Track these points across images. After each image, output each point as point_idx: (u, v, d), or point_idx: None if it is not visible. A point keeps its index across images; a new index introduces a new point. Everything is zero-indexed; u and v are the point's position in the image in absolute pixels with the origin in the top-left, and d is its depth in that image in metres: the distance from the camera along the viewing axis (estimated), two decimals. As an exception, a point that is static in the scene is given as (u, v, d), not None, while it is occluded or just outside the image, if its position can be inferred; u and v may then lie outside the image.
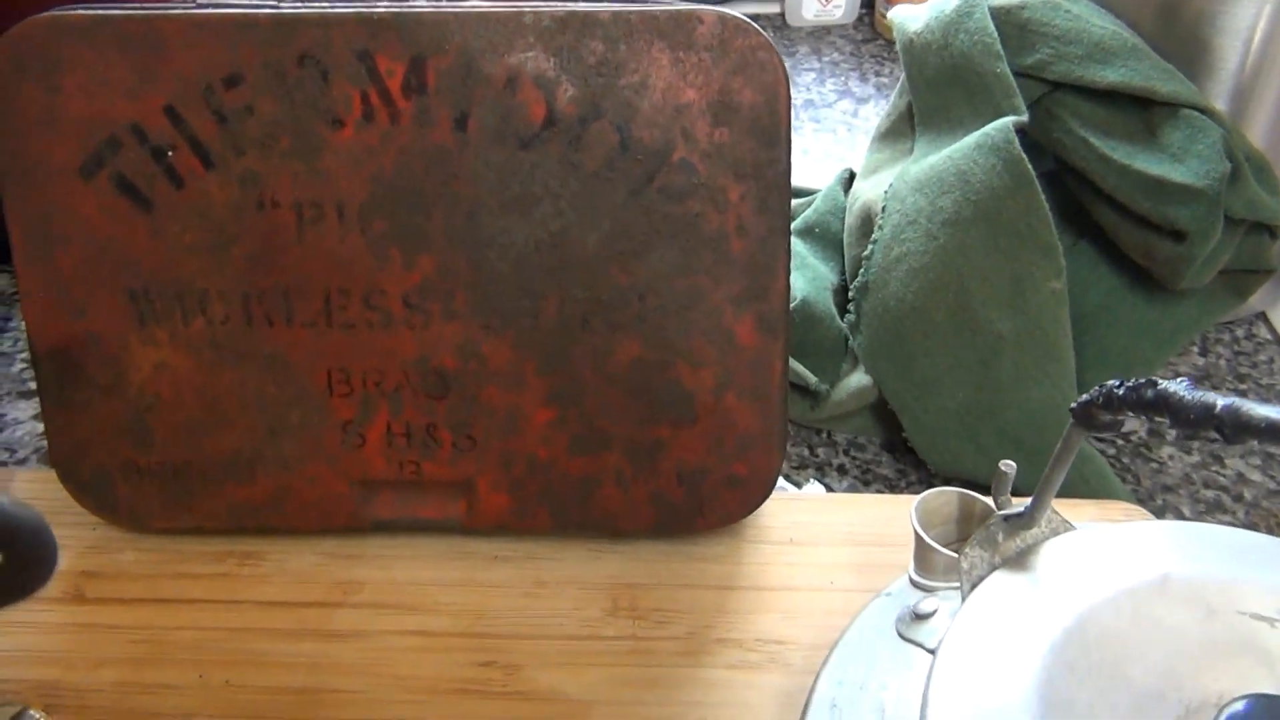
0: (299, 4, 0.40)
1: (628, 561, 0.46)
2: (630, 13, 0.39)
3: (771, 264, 0.42)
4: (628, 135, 0.40)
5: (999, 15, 0.54)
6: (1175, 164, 0.49)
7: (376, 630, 0.44)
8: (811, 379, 0.54)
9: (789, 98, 0.41)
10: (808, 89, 0.85)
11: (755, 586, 0.45)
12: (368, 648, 0.43)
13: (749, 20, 0.40)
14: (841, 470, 0.55)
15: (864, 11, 0.94)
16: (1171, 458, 0.56)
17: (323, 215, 0.42)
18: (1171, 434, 0.57)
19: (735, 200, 0.41)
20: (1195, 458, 0.56)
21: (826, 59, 0.89)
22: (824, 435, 0.57)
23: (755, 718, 0.41)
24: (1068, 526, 0.34)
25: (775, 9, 0.95)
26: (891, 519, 0.48)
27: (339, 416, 0.44)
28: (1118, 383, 0.28)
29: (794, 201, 0.70)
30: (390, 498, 0.45)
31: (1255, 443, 0.54)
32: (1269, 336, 0.63)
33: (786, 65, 0.87)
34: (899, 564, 0.41)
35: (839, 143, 0.79)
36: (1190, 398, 0.25)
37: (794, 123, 0.82)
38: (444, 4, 0.40)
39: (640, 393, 0.43)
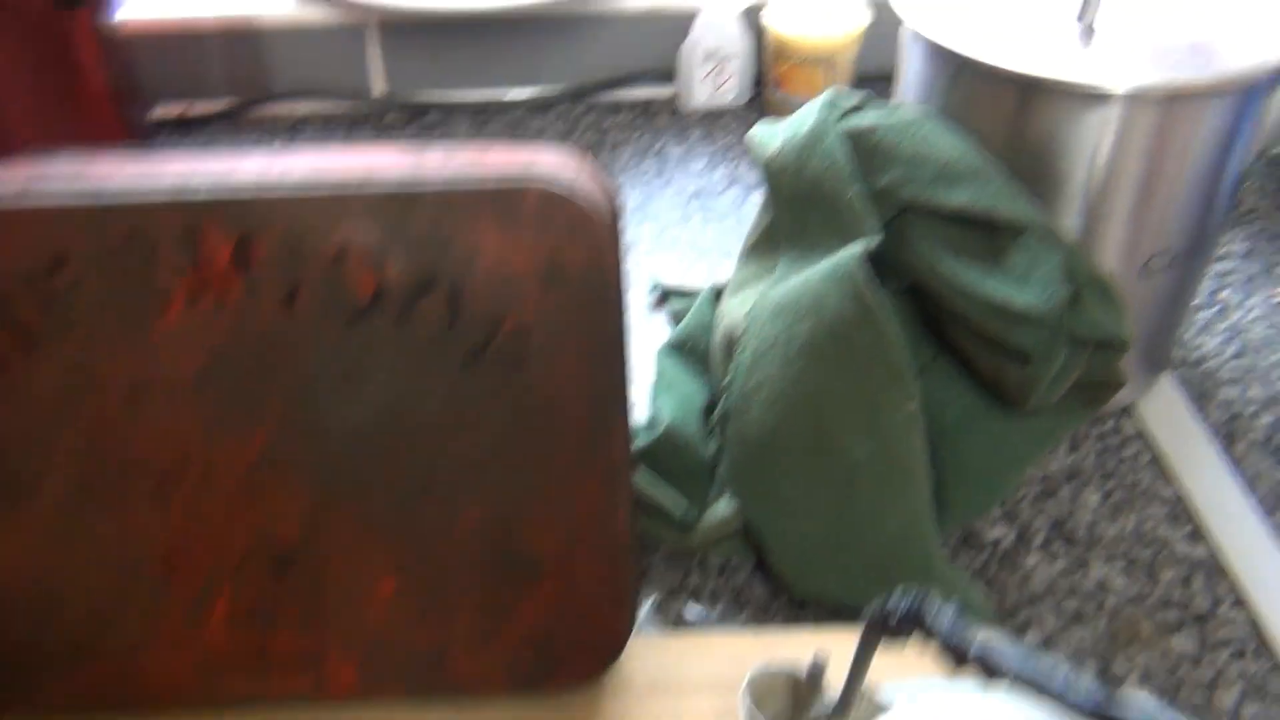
0: (124, 178, 0.40)
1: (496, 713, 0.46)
2: (456, 187, 0.39)
3: (610, 422, 0.42)
4: (458, 306, 0.40)
5: (852, 138, 0.55)
6: (1019, 287, 0.50)
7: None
8: (679, 509, 0.54)
9: (618, 262, 0.41)
10: (699, 176, 0.86)
11: (611, 740, 0.45)
12: (219, 825, 0.43)
13: (573, 190, 0.40)
14: (714, 595, 0.55)
15: (755, 93, 0.95)
16: (1037, 566, 0.56)
17: (154, 394, 0.41)
18: (1037, 540, 0.58)
19: (570, 363, 0.41)
20: (1061, 564, 0.56)
21: (719, 143, 0.90)
22: (697, 559, 0.57)
23: None
24: (882, 709, 0.34)
25: (669, 93, 0.96)
26: (752, 660, 0.48)
27: (179, 596, 0.43)
28: (900, 601, 0.28)
29: (678, 303, 0.71)
30: (236, 676, 0.45)
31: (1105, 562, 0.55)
32: (1135, 430, 0.64)
33: (679, 150, 0.88)
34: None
35: (727, 233, 0.80)
36: (951, 637, 0.25)
37: (685, 213, 0.83)
38: (268, 180, 0.40)
39: (487, 555, 0.43)
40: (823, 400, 0.51)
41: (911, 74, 0.59)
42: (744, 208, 0.83)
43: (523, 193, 0.40)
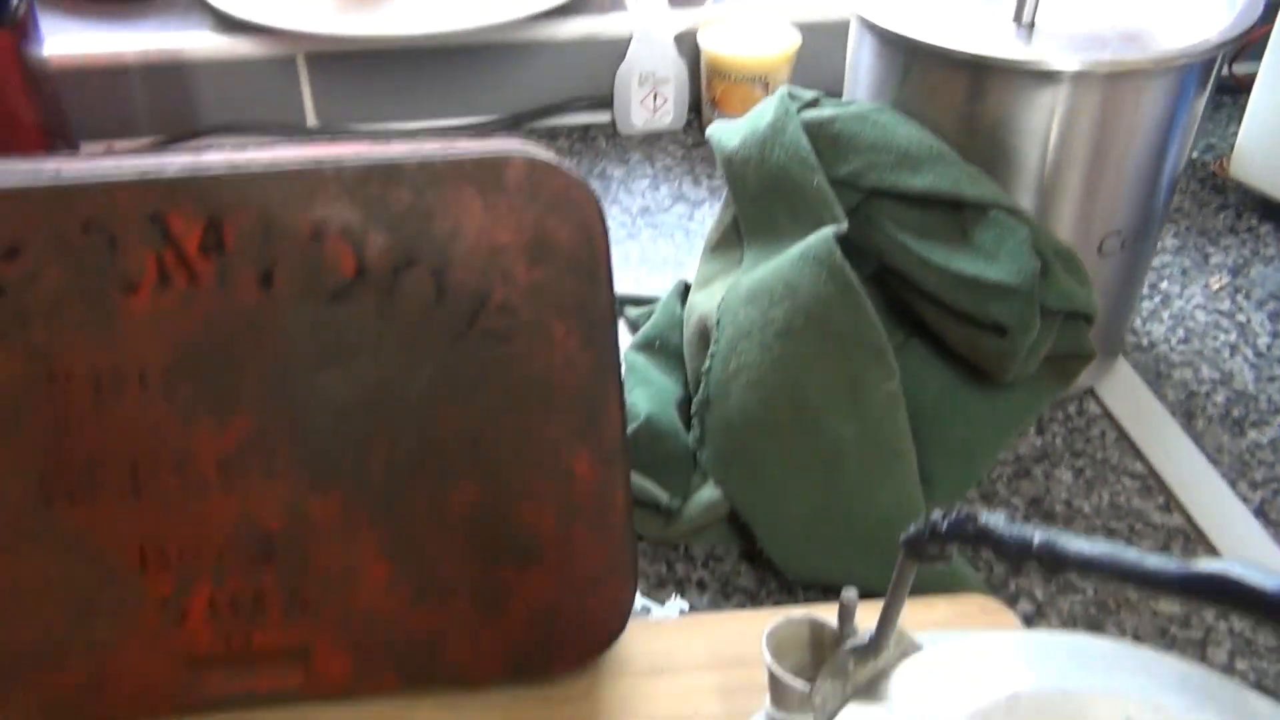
0: (83, 167, 0.38)
1: (484, 711, 0.44)
2: (436, 160, 0.39)
3: (602, 396, 0.41)
4: (444, 281, 0.39)
5: (811, 129, 0.55)
6: (989, 263, 0.51)
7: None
8: (663, 497, 0.53)
9: (605, 233, 0.40)
10: (643, 195, 0.86)
11: (614, 731, 0.44)
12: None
13: (558, 161, 0.39)
14: (701, 585, 0.54)
15: (692, 116, 0.96)
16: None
17: (123, 384, 0.39)
18: (1016, 517, 0.58)
19: (560, 337, 0.40)
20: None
21: (659, 164, 0.90)
22: (681, 550, 0.56)
23: None
24: (916, 647, 0.33)
25: (606, 119, 0.96)
26: (752, 637, 0.47)
27: (156, 592, 0.41)
28: (941, 516, 0.28)
29: (635, 310, 0.70)
30: (219, 674, 0.42)
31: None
32: (1099, 411, 0.65)
33: (621, 172, 0.89)
34: (762, 684, 0.40)
35: (677, 248, 0.80)
36: (1009, 534, 0.25)
37: (632, 230, 0.83)
38: (240, 158, 0.38)
39: (481, 536, 0.42)
40: (804, 382, 0.51)
41: (862, 69, 0.60)
42: (691, 222, 0.83)
43: (506, 162, 0.39)
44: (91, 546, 0.40)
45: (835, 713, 0.32)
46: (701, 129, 0.95)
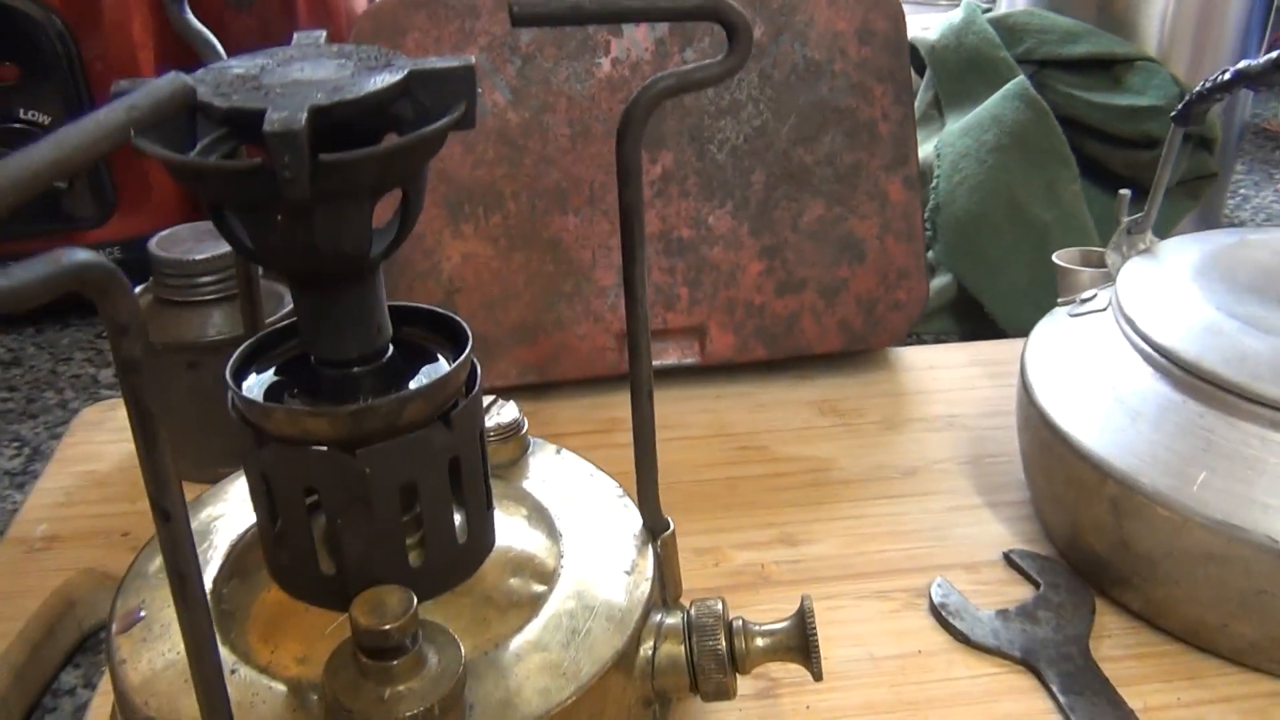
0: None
1: (821, 384, 0.60)
2: (799, -28, 0.58)
3: (907, 139, 0.59)
4: (803, 55, 0.58)
5: (993, 22, 0.75)
6: (1140, 96, 0.70)
7: (648, 442, 0.56)
8: (903, 286, 0.70)
9: (905, 23, 0.59)
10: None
11: (919, 391, 0.60)
12: (646, 451, 0.56)
13: (877, -26, 0.59)
14: (937, 353, 0.71)
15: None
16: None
17: (589, 130, 0.57)
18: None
19: (879, 96, 0.59)
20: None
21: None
22: (912, 337, 0.73)
23: (947, 454, 0.55)
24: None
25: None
26: (1000, 351, 0.64)
27: (601, 284, 0.58)
28: (1201, 83, 0.45)
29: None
30: (643, 345, 0.59)
31: None
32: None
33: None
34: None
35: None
36: (1257, 61, 0.43)
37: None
38: (671, -25, 0.58)
39: (824, 243, 0.59)
40: (1012, 184, 0.69)
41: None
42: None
43: (844, -25, 0.58)
44: (559, 249, 0.58)
45: (1120, 269, 0.49)
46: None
